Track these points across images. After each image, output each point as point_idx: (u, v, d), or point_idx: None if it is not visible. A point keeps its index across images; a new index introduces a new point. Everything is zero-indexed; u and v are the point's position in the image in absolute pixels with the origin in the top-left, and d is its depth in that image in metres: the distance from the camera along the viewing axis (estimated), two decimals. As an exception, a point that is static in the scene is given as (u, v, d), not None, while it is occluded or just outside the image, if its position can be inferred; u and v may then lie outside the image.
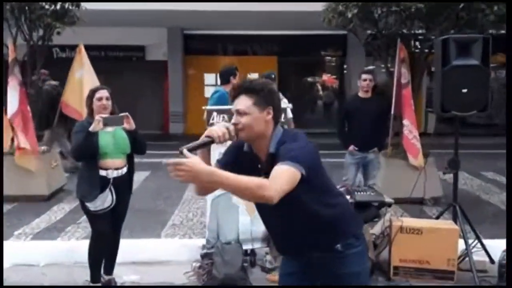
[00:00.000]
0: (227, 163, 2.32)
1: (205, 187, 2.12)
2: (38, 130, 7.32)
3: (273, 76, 5.99)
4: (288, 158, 2.04)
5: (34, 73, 7.38)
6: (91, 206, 3.72)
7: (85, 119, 3.81)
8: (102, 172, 3.70)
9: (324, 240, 2.26)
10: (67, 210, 6.48)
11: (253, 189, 1.95)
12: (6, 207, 6.36)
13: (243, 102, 2.18)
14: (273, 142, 2.19)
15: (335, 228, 2.27)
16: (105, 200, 3.73)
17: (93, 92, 3.78)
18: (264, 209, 2.25)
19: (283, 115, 4.80)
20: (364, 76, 5.72)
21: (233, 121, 2.19)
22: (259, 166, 2.24)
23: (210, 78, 14.62)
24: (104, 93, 3.77)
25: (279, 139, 2.18)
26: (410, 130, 6.35)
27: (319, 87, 18.06)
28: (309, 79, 17.65)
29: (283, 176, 2.01)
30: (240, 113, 2.18)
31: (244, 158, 2.28)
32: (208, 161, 2.17)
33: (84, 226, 5.71)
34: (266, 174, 2.08)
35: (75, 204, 6.54)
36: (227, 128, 2.16)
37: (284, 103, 5.80)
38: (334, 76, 18.16)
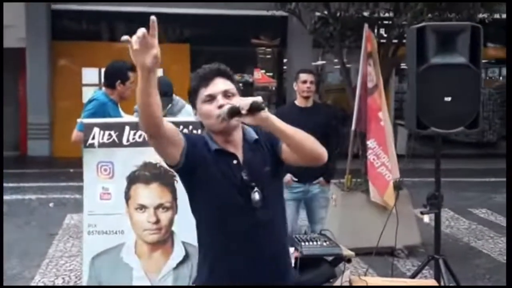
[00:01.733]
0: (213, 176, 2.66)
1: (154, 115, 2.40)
2: None
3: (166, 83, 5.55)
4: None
5: None
6: None
7: None
8: None
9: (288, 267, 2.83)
10: None
11: (313, 140, 2.67)
12: None
13: (227, 83, 2.67)
14: (248, 130, 2.73)
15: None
16: None
17: None
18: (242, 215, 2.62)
19: (199, 132, 4.81)
20: (303, 76, 5.81)
21: (220, 102, 2.58)
22: (235, 162, 2.64)
23: (90, 75, 14.36)
24: None
25: (251, 127, 2.71)
26: (377, 155, 6.49)
27: (249, 89, 18.29)
28: (236, 76, 17.86)
29: None
30: (228, 95, 2.63)
31: (214, 160, 2.63)
32: None
33: None
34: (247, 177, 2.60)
35: None
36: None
37: (186, 112, 5.54)
38: (269, 74, 18.48)
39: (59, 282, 6.02)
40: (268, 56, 18.57)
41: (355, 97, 6.74)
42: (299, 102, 5.88)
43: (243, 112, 2.44)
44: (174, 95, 5.72)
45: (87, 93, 13.27)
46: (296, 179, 5.80)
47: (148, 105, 2.34)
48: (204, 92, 2.62)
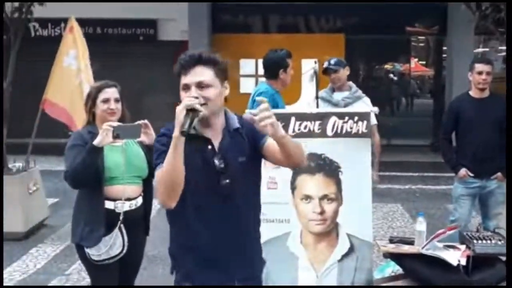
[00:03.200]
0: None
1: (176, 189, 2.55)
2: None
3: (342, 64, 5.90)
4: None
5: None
6: (94, 253, 3.72)
7: (85, 128, 3.85)
8: (109, 204, 3.72)
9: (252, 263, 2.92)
10: (51, 254, 6.54)
11: (302, 149, 2.73)
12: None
13: (204, 73, 2.67)
14: (231, 118, 2.78)
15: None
16: (113, 244, 3.72)
17: (97, 90, 3.82)
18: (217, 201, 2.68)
19: (365, 123, 4.74)
20: (478, 67, 5.53)
21: (193, 94, 2.61)
22: (209, 148, 2.69)
23: (247, 66, 14.63)
24: (112, 92, 3.80)
25: (236, 116, 2.81)
26: None
27: (406, 79, 17.88)
28: (388, 66, 17.50)
29: None
30: (202, 86, 2.64)
31: (189, 146, 2.61)
32: None
33: (75, 278, 5.73)
34: (221, 160, 2.67)
35: (62, 247, 6.60)
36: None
37: (364, 103, 5.70)
38: (422, 63, 17.89)
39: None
40: (422, 45, 17.97)
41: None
42: (474, 93, 5.60)
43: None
44: (351, 83, 5.92)
45: (244, 84, 13.67)
46: (472, 174, 5.58)
47: (181, 172, 2.52)
48: (183, 80, 2.67)
